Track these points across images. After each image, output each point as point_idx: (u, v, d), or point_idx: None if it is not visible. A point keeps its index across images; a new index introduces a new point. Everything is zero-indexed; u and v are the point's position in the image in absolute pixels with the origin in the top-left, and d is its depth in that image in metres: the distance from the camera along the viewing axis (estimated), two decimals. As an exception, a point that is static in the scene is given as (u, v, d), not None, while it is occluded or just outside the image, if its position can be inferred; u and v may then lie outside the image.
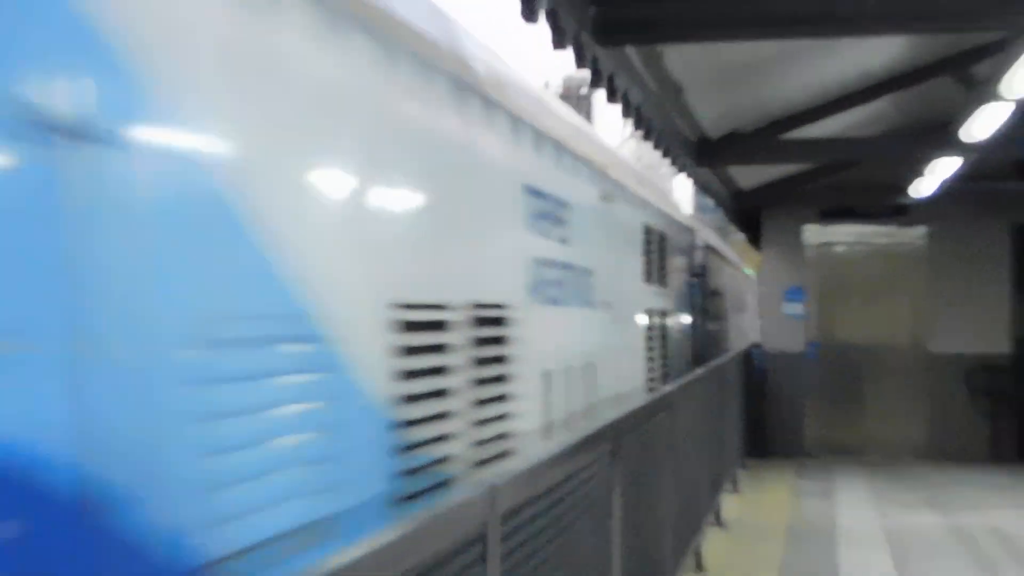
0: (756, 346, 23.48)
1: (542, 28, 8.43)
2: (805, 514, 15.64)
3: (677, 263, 17.61)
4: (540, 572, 4.80)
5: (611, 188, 12.20)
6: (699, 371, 13.42)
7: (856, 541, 13.81)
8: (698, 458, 11.25)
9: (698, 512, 11.56)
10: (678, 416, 9.59)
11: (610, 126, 23.28)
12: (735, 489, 16.83)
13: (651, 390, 13.54)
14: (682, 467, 9.89)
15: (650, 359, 14.42)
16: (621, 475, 6.76)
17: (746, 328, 27.02)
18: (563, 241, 9.55)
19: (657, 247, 15.36)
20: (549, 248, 8.93)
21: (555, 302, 9.27)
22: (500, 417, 7.41)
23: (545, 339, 8.88)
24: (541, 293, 8.79)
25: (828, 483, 18.68)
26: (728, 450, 15.71)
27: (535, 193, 8.80)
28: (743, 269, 29.19)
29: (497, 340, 7.43)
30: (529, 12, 7.73)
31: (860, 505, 16.45)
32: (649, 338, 14.55)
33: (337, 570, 2.80)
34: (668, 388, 11.06)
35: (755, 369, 22.01)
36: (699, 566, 11.71)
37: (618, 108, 12.16)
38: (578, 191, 10.52)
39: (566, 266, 9.80)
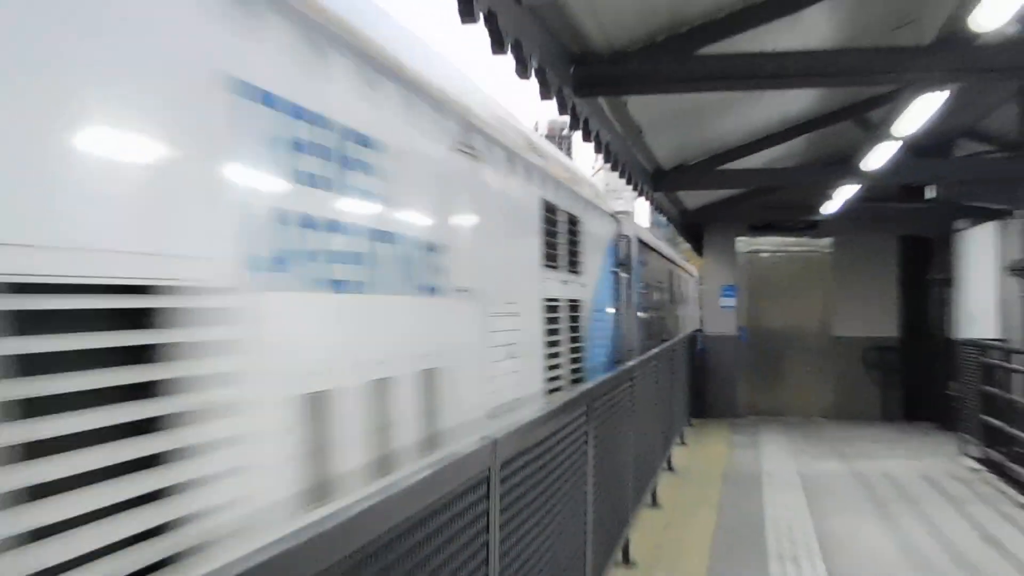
0: (699, 330, 23.61)
1: (532, 83, 8.48)
2: (737, 462, 15.90)
3: (596, 251, 14.15)
4: (531, 508, 4.88)
5: (478, 142, 8.10)
6: (655, 350, 13.09)
7: (777, 483, 14.13)
8: (653, 417, 11.41)
9: (653, 460, 11.75)
10: (637, 385, 9.71)
11: (586, 159, 23.11)
12: (682, 442, 17.13)
13: (552, 391, 10.31)
14: (641, 425, 10.01)
15: (552, 356, 10.74)
16: (594, 431, 6.84)
17: (690, 317, 26.74)
18: (364, 195, 5.69)
19: (565, 231, 11.78)
20: (310, 199, 4.94)
21: (340, 285, 5.26)
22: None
23: (302, 344, 4.92)
24: (292, 268, 4.74)
25: (755, 437, 18.96)
26: (677, 411, 15.88)
27: (263, 100, 4.51)
28: (688, 271, 28.97)
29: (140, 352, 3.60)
30: (523, 71, 7.85)
31: (779, 455, 16.70)
32: (551, 333, 10.82)
33: (385, 499, 2.86)
34: (631, 363, 10.47)
35: (698, 348, 22.26)
36: (654, 503, 11.93)
37: (591, 146, 12.22)
38: (402, 130, 6.38)
39: (373, 234, 5.77)
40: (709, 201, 22.20)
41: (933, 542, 10.62)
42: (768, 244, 23.09)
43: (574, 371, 11.85)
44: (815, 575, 9.24)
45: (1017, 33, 9.41)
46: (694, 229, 24.11)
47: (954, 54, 9.36)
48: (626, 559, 9.40)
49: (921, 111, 11.84)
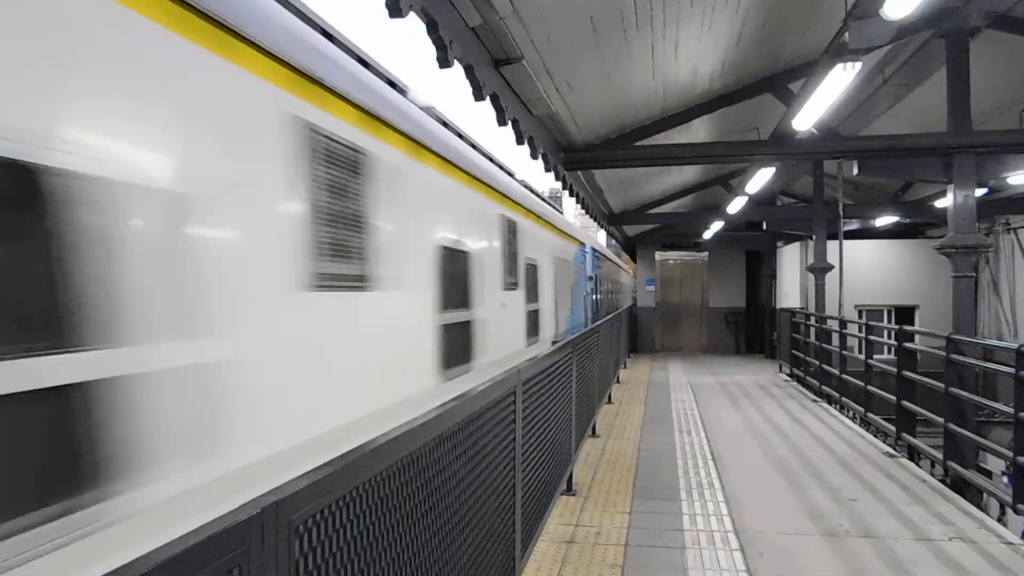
0: (633, 304, 23.07)
1: (539, 163, 8.16)
2: (655, 377, 15.51)
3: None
4: (539, 409, 4.58)
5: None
6: (608, 316, 12.56)
7: (677, 387, 13.78)
8: (609, 353, 11.11)
9: (608, 377, 11.42)
10: (601, 336, 9.37)
11: (572, 208, 23.08)
12: (624, 366, 16.56)
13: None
14: (603, 358, 9.73)
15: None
16: (576, 362, 6.54)
17: (628, 296, 26.09)
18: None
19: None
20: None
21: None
22: None
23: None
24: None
25: (664, 363, 18.53)
26: (622, 349, 15.47)
27: None
28: (627, 269, 28.36)
29: None
30: (533, 154, 7.55)
31: (678, 372, 16.30)
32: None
33: (463, 400, 2.65)
34: (595, 324, 9.84)
35: (633, 313, 21.69)
36: (609, 400, 11.59)
37: (574, 200, 11.87)
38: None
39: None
40: (640, 231, 21.87)
41: (763, 420, 10.21)
42: (672, 255, 22.67)
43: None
44: (699, 439, 8.89)
45: (813, 133, 9.01)
46: (631, 246, 23.63)
47: (780, 145, 9.01)
48: (594, 433, 9.03)
49: (760, 178, 11.45)
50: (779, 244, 19.79)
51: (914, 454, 8.12)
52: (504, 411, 3.53)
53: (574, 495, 6.49)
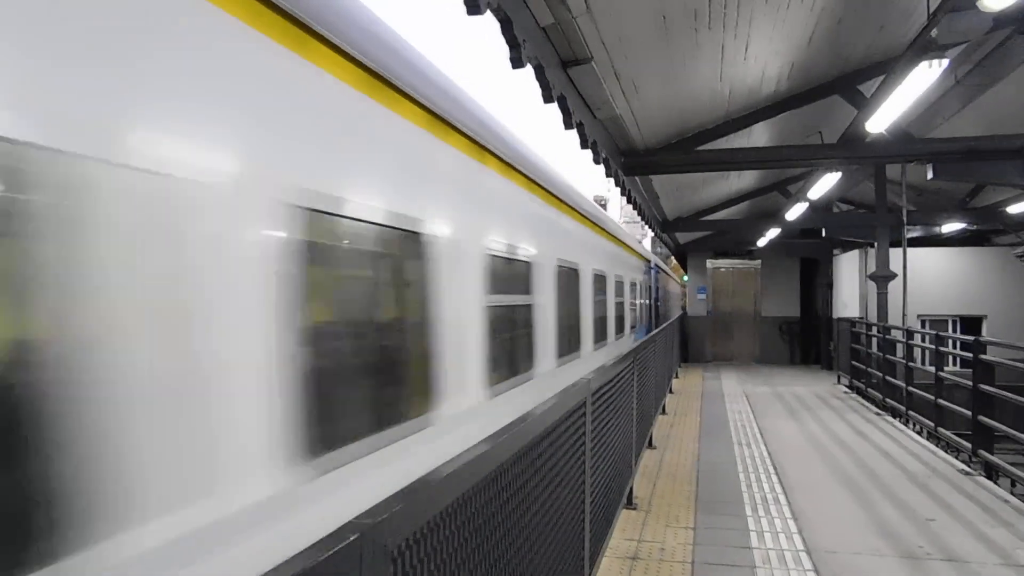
0: (684, 312, 22.64)
1: (600, 168, 8.04)
2: (708, 386, 15.14)
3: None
4: (605, 417, 4.45)
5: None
6: (663, 325, 12.43)
7: (732, 397, 13.38)
8: (663, 361, 10.91)
9: (663, 386, 11.20)
10: (656, 345, 9.10)
11: (617, 213, 22.84)
12: (677, 376, 16.20)
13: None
14: (658, 365, 9.47)
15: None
16: (636, 370, 6.35)
17: (679, 304, 25.67)
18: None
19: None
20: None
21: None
22: None
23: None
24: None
25: (716, 373, 18.12)
26: (674, 358, 15.14)
27: None
28: (676, 279, 27.88)
29: None
30: (596, 157, 7.39)
31: (731, 382, 15.89)
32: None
33: (544, 410, 2.55)
34: (653, 333, 9.89)
35: (685, 322, 21.29)
36: (664, 411, 11.36)
37: (619, 205, 11.76)
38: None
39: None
40: (692, 239, 21.44)
41: (824, 432, 9.85)
42: (724, 263, 22.17)
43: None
44: (759, 451, 8.60)
45: (884, 136, 8.66)
46: (682, 254, 23.21)
47: (850, 149, 8.67)
48: (650, 444, 8.82)
49: (825, 184, 11.09)
50: (836, 252, 19.22)
51: (992, 472, 7.69)
52: (576, 421, 3.42)
53: (635, 509, 6.30)
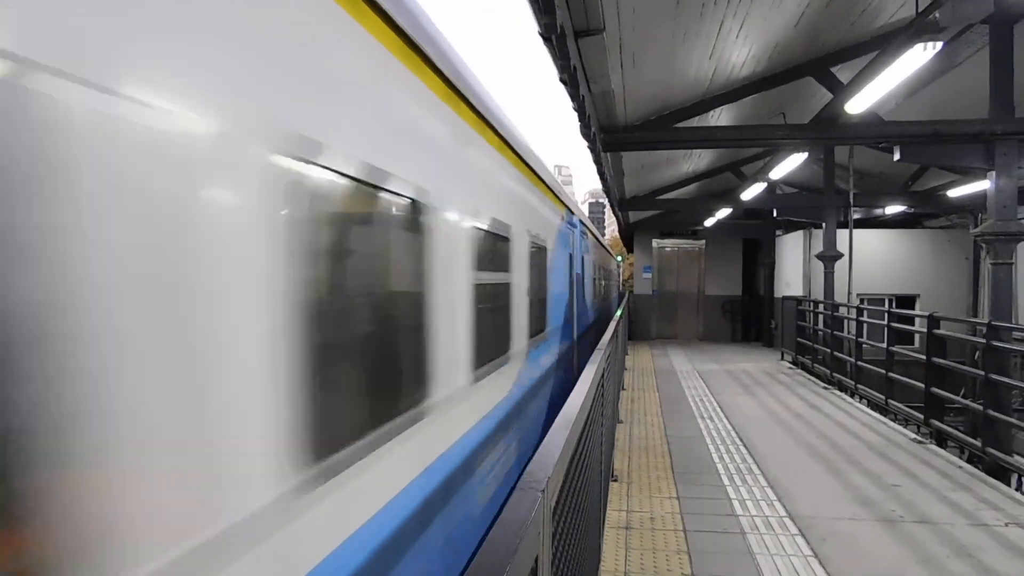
0: (631, 291, 22.96)
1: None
2: (659, 364, 15.49)
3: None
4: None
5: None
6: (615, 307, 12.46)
7: (684, 374, 13.73)
8: (619, 340, 10.86)
9: (621, 364, 11.21)
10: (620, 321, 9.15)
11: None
12: (627, 353, 16.40)
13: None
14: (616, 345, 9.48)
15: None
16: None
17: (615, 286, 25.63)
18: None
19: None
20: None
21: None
22: None
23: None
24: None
25: (664, 351, 18.50)
26: (624, 336, 15.24)
27: None
28: (614, 258, 27.94)
29: None
30: (586, 131, 7.30)
31: (681, 360, 16.29)
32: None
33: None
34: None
35: (631, 300, 21.59)
36: (623, 387, 11.38)
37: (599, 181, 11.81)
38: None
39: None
40: (640, 219, 21.67)
41: (781, 406, 10.18)
42: (669, 243, 22.54)
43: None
44: (723, 425, 8.83)
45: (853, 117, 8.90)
46: (630, 232, 23.43)
47: (823, 130, 8.85)
48: (618, 419, 8.92)
49: (789, 164, 11.33)
50: (778, 233, 19.75)
51: (943, 440, 8.10)
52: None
53: (617, 481, 6.38)
